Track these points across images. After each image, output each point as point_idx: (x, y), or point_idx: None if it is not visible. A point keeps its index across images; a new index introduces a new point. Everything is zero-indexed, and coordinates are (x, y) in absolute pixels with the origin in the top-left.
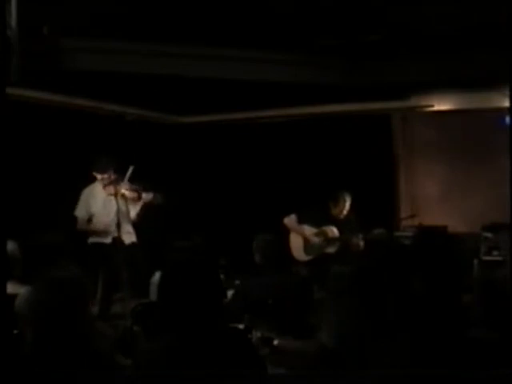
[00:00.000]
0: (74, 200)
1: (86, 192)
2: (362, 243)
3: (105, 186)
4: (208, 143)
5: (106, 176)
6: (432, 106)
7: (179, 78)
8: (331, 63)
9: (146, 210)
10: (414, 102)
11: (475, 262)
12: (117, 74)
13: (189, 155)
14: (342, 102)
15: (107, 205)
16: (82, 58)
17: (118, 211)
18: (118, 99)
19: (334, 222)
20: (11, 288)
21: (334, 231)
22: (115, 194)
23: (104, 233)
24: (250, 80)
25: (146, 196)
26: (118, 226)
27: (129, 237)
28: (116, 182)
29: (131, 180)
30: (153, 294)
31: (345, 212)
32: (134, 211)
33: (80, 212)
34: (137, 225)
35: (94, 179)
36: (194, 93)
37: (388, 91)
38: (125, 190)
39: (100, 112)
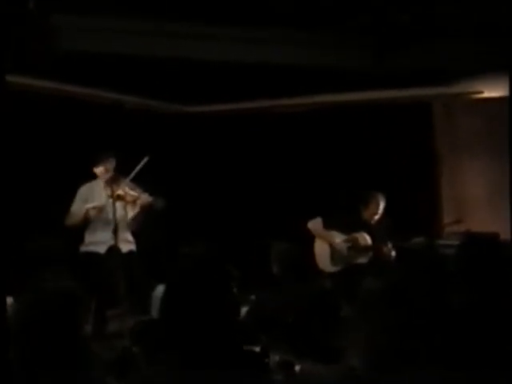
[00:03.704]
0: (70, 200)
1: (84, 189)
2: (394, 252)
3: (106, 185)
4: (216, 136)
5: (103, 168)
6: (481, 92)
7: (184, 62)
8: (360, 44)
9: (145, 214)
10: (459, 87)
11: None
12: (113, 56)
13: (194, 149)
14: (374, 88)
15: (107, 207)
16: (73, 39)
17: (115, 215)
18: (115, 85)
19: (366, 227)
20: None
21: (366, 238)
22: (112, 195)
23: (98, 240)
24: (265, 63)
25: (144, 198)
26: (115, 232)
27: (127, 245)
28: (115, 181)
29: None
30: (155, 311)
31: (378, 216)
32: (130, 215)
33: (76, 207)
34: (134, 231)
35: (93, 176)
36: (201, 78)
37: (428, 76)
38: (122, 190)
39: (95, 100)
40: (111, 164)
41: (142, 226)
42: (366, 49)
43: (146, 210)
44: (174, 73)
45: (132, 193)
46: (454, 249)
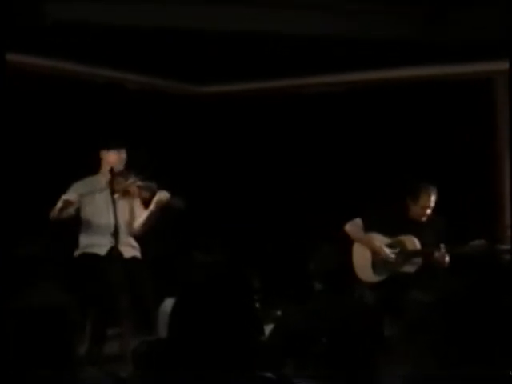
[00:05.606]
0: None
1: (80, 183)
2: (448, 259)
3: (111, 180)
4: (235, 120)
5: (116, 155)
6: None
7: (196, 33)
8: (406, 10)
9: (159, 218)
10: None
11: None
12: (113, 28)
13: (208, 137)
14: (423, 63)
15: (107, 205)
16: (67, 8)
17: (116, 215)
18: (115, 62)
19: (414, 228)
20: None
21: (414, 242)
22: (112, 189)
23: (96, 243)
24: (293, 34)
25: (161, 196)
26: (116, 234)
27: (130, 251)
28: (123, 175)
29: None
30: (162, 329)
31: (428, 213)
32: (139, 219)
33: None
34: (137, 235)
35: (88, 173)
36: (216, 53)
37: (489, 47)
38: (134, 186)
39: (91, 79)
40: (123, 154)
41: (147, 229)
42: (415, 15)
43: (161, 212)
44: (185, 46)
45: (145, 191)
46: None
